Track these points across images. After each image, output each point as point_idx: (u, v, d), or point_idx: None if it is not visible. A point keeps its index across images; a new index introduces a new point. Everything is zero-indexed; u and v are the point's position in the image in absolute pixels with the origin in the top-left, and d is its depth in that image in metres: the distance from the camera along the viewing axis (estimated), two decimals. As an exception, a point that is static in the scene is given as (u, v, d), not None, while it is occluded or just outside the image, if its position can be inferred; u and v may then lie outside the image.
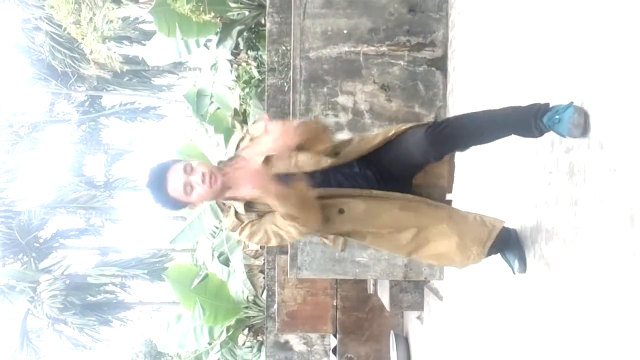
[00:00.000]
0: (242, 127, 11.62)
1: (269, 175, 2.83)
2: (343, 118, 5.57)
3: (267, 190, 2.80)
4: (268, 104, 9.34)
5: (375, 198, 3.05)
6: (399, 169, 3.15)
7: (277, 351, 10.53)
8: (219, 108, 12.63)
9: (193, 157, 12.48)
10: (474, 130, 3.11)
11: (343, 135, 5.54)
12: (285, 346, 10.51)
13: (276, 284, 8.94)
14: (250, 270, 11.65)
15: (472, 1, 4.85)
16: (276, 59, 10.16)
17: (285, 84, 8.38)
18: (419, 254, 3.23)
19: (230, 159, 3.03)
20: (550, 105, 2.89)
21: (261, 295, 11.32)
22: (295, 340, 10.45)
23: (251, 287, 11.68)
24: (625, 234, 2.40)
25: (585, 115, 2.73)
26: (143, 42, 13.91)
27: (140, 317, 23.45)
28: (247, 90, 11.62)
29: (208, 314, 11.66)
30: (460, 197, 4.40)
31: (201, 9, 5.83)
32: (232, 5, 11.30)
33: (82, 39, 6.29)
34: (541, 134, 2.94)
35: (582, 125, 2.72)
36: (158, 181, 2.86)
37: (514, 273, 3.41)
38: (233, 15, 11.59)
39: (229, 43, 12.05)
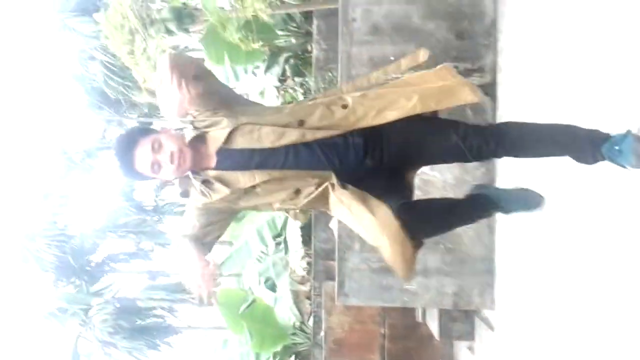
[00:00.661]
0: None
1: None
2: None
3: None
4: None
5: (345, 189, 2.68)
6: (411, 156, 2.84)
7: (325, 379, 10.46)
8: (267, 133, 12.72)
9: None
10: (530, 145, 2.93)
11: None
12: (333, 373, 10.43)
13: (323, 311, 8.89)
14: (296, 296, 11.64)
15: (520, 27, 4.85)
16: (322, 85, 10.23)
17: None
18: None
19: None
20: (610, 134, 2.78)
21: (308, 321, 11.28)
22: (342, 368, 10.37)
23: (298, 314, 11.65)
24: None
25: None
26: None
27: (188, 342, 23.61)
28: (294, 115, 11.70)
29: (255, 340, 11.67)
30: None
31: (250, 37, 5.89)
32: (280, 33, 11.45)
33: (135, 67, 6.42)
34: (595, 162, 2.81)
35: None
36: (125, 155, 2.73)
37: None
38: (280, 42, 11.73)
39: (276, 70, 12.20)
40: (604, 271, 3.14)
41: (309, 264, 11.04)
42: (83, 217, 18.94)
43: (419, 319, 7.76)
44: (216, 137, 2.72)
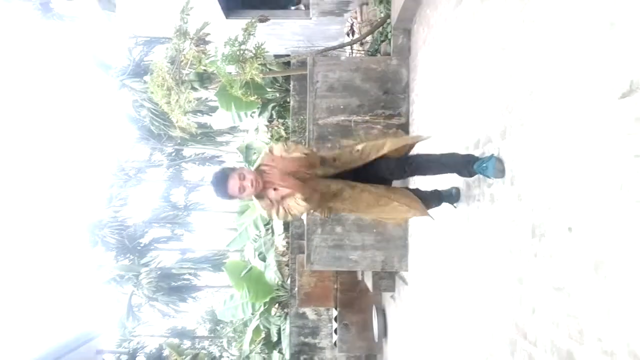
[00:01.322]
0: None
1: (293, 179, 2.96)
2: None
3: (294, 186, 2.96)
4: (292, 154, 9.32)
5: (355, 187, 3.12)
6: (375, 175, 3.21)
7: (297, 319, 10.43)
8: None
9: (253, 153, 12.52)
10: (430, 168, 3.25)
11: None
12: (303, 316, 10.41)
13: (296, 274, 8.89)
14: (279, 264, 11.62)
15: (424, 88, 4.91)
16: (297, 124, 10.27)
17: (303, 141, 8.43)
18: (382, 217, 3.44)
19: (263, 167, 3.04)
20: (480, 156, 2.97)
21: (287, 281, 11.27)
22: (309, 312, 10.36)
23: (280, 276, 11.63)
24: (527, 241, 2.40)
25: (503, 163, 2.76)
26: (210, 114, 14.11)
27: (206, 296, 23.30)
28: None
29: (252, 294, 11.60)
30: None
31: (248, 93, 5.90)
32: (269, 90, 11.48)
33: (171, 112, 6.36)
34: (471, 175, 3.03)
35: (502, 170, 2.74)
36: (221, 183, 2.94)
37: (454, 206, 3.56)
38: (269, 96, 11.76)
39: (266, 114, 12.23)
40: (471, 251, 3.20)
41: (287, 242, 11.05)
42: (135, 213, 18.69)
43: (360, 278, 7.81)
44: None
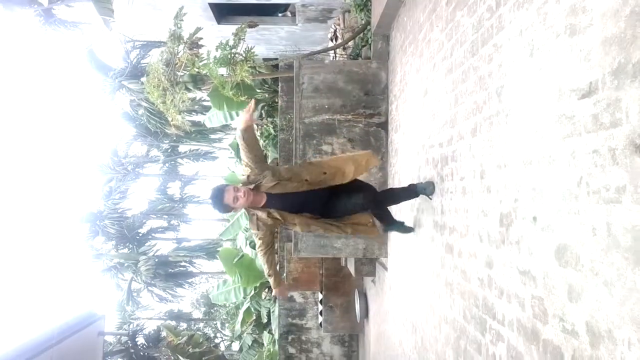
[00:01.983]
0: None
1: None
2: (325, 159, 5.58)
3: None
4: (280, 150, 9.31)
5: (318, 220, 3.37)
6: (342, 206, 3.43)
7: (285, 302, 10.43)
8: (250, 153, 12.59)
9: (234, 182, 12.46)
10: (391, 200, 3.78)
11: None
12: (291, 299, 10.41)
13: (285, 261, 8.88)
14: (269, 252, 11.60)
15: (401, 89, 4.91)
16: (284, 123, 10.20)
17: (290, 138, 8.39)
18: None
19: (251, 184, 3.29)
20: (422, 183, 3.56)
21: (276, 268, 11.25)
22: (297, 295, 10.36)
23: (270, 263, 11.61)
24: (496, 229, 2.41)
25: (435, 186, 3.34)
26: (204, 112, 13.97)
27: (201, 282, 23.14)
28: (267, 142, 11.65)
29: (243, 279, 11.54)
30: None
31: (239, 93, 5.83)
32: (258, 90, 11.38)
33: (166, 111, 6.26)
34: (417, 196, 3.62)
35: (434, 191, 3.40)
36: (218, 195, 3.18)
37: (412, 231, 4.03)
38: (258, 96, 11.66)
39: (256, 113, 12.11)
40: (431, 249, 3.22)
41: (277, 231, 11.01)
42: (134, 205, 18.48)
43: (343, 264, 7.84)
44: (266, 186, 3.22)
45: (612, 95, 1.51)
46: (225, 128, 17.11)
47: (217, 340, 21.49)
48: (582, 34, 1.69)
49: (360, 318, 7.68)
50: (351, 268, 6.84)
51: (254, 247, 12.04)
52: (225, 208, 3.19)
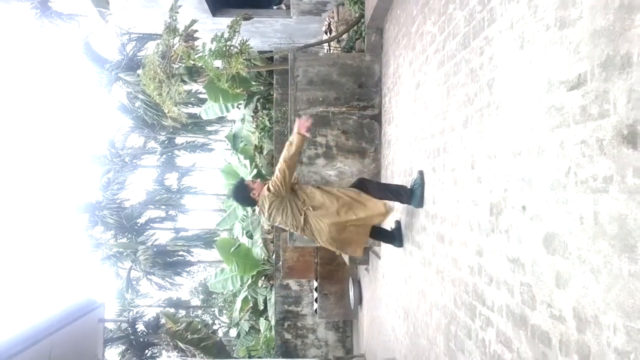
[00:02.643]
0: (259, 156, 11.56)
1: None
2: (320, 150, 5.57)
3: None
4: (275, 142, 9.28)
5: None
6: None
7: (281, 290, 10.47)
8: (246, 144, 12.58)
9: (230, 174, 12.42)
10: (383, 187, 3.97)
11: (319, 161, 5.54)
12: (287, 287, 10.45)
13: (281, 250, 8.89)
14: (265, 241, 11.61)
15: (394, 82, 4.90)
16: (280, 115, 10.16)
17: (286, 130, 8.36)
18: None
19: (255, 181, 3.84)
20: (416, 195, 3.62)
21: (272, 256, 11.27)
22: (292, 283, 10.39)
23: (266, 252, 11.62)
24: (486, 218, 2.42)
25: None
26: (200, 105, 13.86)
27: (199, 270, 23.18)
28: (262, 134, 11.60)
29: (240, 268, 11.57)
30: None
31: (234, 85, 5.79)
32: (253, 83, 11.30)
33: (163, 103, 6.21)
34: (407, 202, 3.74)
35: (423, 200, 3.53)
36: (243, 191, 3.73)
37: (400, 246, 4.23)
38: (254, 89, 11.59)
39: (252, 105, 12.06)
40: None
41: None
42: (132, 196, 18.40)
43: (337, 253, 7.86)
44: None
45: (600, 87, 1.51)
46: (221, 120, 17.01)
47: (215, 327, 21.60)
48: (571, 27, 1.68)
49: (354, 305, 7.73)
50: (345, 257, 6.86)
51: (250, 237, 12.05)
52: (251, 202, 3.73)
